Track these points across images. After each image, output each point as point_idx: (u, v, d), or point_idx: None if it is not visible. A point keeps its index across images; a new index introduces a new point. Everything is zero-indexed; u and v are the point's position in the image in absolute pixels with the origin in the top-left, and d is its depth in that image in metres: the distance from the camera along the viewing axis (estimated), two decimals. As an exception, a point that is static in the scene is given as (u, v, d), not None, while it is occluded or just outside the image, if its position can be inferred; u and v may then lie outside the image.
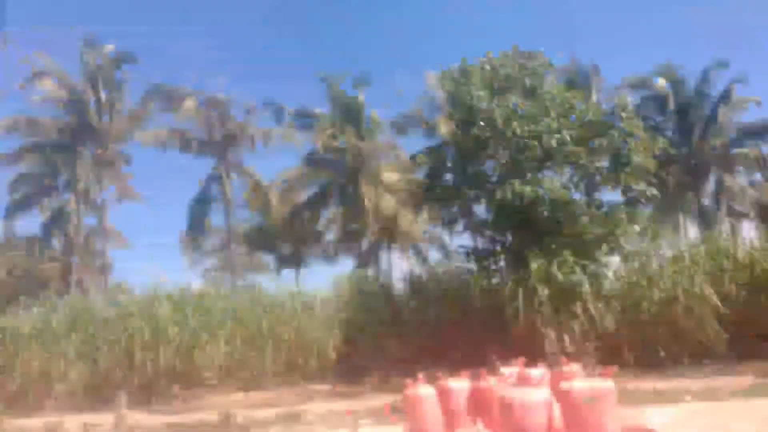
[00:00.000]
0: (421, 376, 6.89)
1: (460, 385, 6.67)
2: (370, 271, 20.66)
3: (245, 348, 15.50)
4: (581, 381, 6.11)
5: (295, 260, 28.67)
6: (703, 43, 65.61)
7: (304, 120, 28.55)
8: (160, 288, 16.27)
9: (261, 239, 29.18)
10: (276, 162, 33.78)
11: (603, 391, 5.66)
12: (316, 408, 11.54)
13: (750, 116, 25.98)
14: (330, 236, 28.79)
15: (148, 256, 38.18)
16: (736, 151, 25.60)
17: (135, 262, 48.28)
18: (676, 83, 25.87)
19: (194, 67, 64.71)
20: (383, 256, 27.89)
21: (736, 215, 26.81)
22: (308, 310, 16.88)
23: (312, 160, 27.92)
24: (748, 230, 24.36)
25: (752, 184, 27.15)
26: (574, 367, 7.10)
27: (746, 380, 10.67)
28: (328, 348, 16.00)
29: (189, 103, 27.82)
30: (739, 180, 26.32)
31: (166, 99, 28.08)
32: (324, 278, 18.63)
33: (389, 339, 15.92)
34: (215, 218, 29.39)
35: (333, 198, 27.59)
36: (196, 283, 18.86)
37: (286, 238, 28.37)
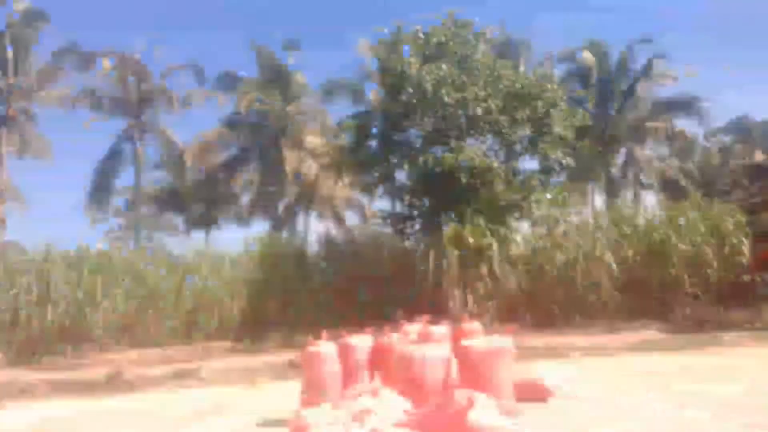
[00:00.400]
0: (324, 333, 6.82)
1: (361, 341, 6.63)
2: (286, 234, 20.36)
3: (143, 307, 14.96)
4: (480, 338, 6.24)
5: (206, 221, 28.02)
6: (630, 20, 68.23)
7: (228, 82, 28.00)
8: (54, 247, 15.36)
9: (171, 200, 28.29)
10: (197, 125, 32.77)
11: (500, 348, 5.78)
12: (213, 365, 11.24)
13: (668, 92, 27.15)
14: (246, 199, 28.27)
15: (49, 217, 36.15)
16: (648, 124, 26.75)
17: (36, 223, 45.82)
18: (600, 57, 26.64)
19: (113, 27, 61.21)
20: (300, 220, 27.76)
21: (642, 185, 28.40)
22: (215, 271, 16.43)
23: (233, 122, 27.26)
24: (651, 201, 26.00)
25: (660, 156, 28.72)
26: (475, 324, 7.24)
27: (633, 337, 11.36)
28: (233, 307, 15.73)
29: (104, 63, 26.67)
30: (647, 152, 27.70)
31: (81, 59, 26.77)
32: (237, 241, 18.40)
33: (297, 299, 15.79)
34: (126, 179, 28.33)
35: (252, 161, 27.08)
36: (99, 244, 17.86)
37: (199, 200, 27.66)
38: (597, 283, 14.27)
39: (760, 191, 14.25)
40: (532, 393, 6.15)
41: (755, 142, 37.77)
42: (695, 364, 7.50)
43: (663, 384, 6.26)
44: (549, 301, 14.23)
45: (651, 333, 12.00)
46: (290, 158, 25.57)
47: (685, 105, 26.10)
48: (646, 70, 26.08)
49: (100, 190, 26.94)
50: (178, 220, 30.47)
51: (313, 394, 6.04)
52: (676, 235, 14.79)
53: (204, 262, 16.57)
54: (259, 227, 26.86)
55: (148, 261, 16.56)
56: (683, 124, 26.74)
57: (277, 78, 26.94)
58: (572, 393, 6.09)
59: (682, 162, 29.94)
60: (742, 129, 42.19)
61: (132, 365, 11.66)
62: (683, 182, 27.45)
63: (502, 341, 5.84)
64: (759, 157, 35.02)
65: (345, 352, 6.48)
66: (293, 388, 6.51)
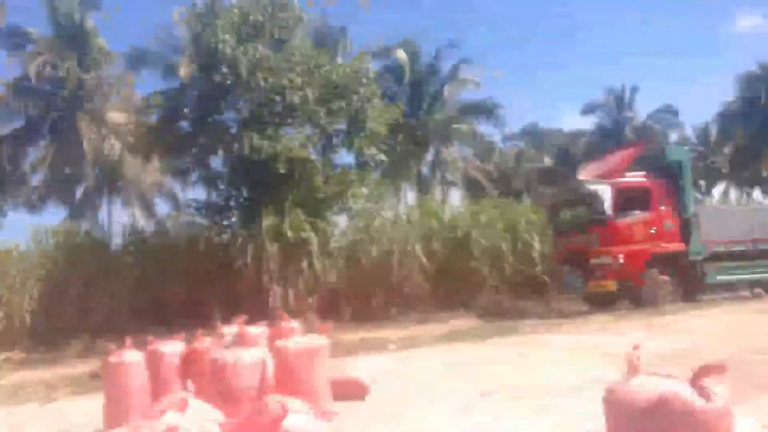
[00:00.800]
0: (128, 340, 6.19)
1: (171, 348, 6.13)
2: (85, 224, 18.34)
3: None
4: (296, 338, 6.13)
5: (-14, 206, 24.19)
6: (443, 23, 72.80)
7: (13, 40, 24.04)
8: None
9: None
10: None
11: (316, 348, 5.72)
12: (1, 380, 9.74)
13: (471, 95, 29.34)
14: (36, 181, 24.74)
15: None
16: (454, 126, 28.76)
17: None
18: (413, 57, 27.91)
19: None
20: (103, 207, 25.14)
21: (448, 184, 30.62)
22: (-1, 266, 14.34)
23: (19, 88, 23.68)
24: (456, 197, 28.18)
25: (464, 157, 31.15)
26: (293, 323, 7.15)
27: (442, 328, 12.19)
28: (21, 311, 13.90)
29: None
30: (453, 152, 29.84)
31: None
32: (26, 232, 15.99)
33: (99, 300, 14.42)
34: None
35: (43, 135, 23.77)
36: None
37: (-24, 179, 23.77)
38: (410, 275, 15.04)
39: (560, 192, 16.02)
40: (350, 390, 6.22)
41: (544, 148, 42.91)
42: (498, 353, 8.20)
43: (470, 373, 6.73)
44: (367, 295, 14.66)
45: (458, 323, 12.95)
46: (89, 135, 23.01)
47: (486, 110, 28.47)
48: (453, 74, 27.99)
49: None
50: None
51: (116, 411, 5.46)
52: (477, 230, 16.17)
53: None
54: (54, 216, 23.80)
55: None
56: (484, 127, 29.20)
57: (73, 40, 23.92)
58: (388, 387, 6.27)
59: (482, 163, 32.90)
60: (533, 135, 47.65)
61: None
62: (483, 182, 30.17)
63: (318, 340, 5.80)
64: (548, 162, 39.92)
65: (153, 361, 5.95)
66: (96, 403, 5.83)
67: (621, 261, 13.19)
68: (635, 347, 2.54)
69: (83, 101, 23.92)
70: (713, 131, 36.14)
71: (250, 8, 16.58)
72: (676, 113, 37.23)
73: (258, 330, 6.76)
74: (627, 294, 13.53)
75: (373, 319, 14.09)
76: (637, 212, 13.79)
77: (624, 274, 13.26)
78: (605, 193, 13.50)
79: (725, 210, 19.23)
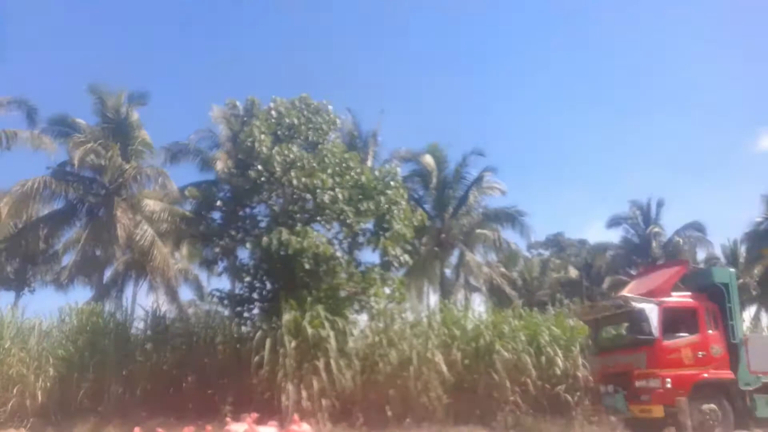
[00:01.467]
0: (137, 429, 6.13)
1: (181, 441, 6.06)
2: (110, 306, 18.55)
3: None
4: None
5: (17, 282, 24.56)
6: (470, 132, 75.33)
7: (62, 128, 25.47)
8: None
9: (-23, 253, 24.66)
10: (19, 170, 29.09)
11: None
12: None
13: (495, 202, 29.79)
14: (67, 260, 25.35)
15: None
16: (478, 231, 29.03)
17: None
18: (440, 163, 28.78)
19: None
20: (128, 291, 25.47)
21: (471, 288, 30.43)
22: (20, 342, 14.43)
23: (62, 173, 24.80)
24: (479, 303, 27.88)
25: (488, 262, 31.13)
26: (305, 426, 7.00)
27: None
28: (36, 387, 13.77)
29: None
30: (477, 257, 29.89)
31: None
32: (52, 309, 16.12)
33: (115, 382, 14.28)
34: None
35: (79, 218, 24.61)
36: None
37: (12, 256, 24.27)
38: (428, 384, 14.59)
39: (602, 307, 15.37)
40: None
41: (569, 258, 42.81)
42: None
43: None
44: (382, 402, 14.20)
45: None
46: (123, 220, 23.75)
47: (510, 217, 28.81)
48: (478, 181, 28.65)
49: None
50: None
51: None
52: (499, 341, 15.77)
53: (7, 330, 14.49)
54: (80, 294, 24.20)
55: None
56: (509, 234, 29.35)
57: (118, 131, 25.27)
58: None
59: (507, 269, 32.81)
60: (558, 245, 47.74)
61: None
62: (507, 289, 29.93)
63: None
64: (572, 272, 39.65)
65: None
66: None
67: (669, 385, 12.32)
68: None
69: (121, 188, 24.90)
70: (742, 251, 35.65)
71: (286, 111, 17.57)
72: (703, 231, 36.98)
73: (268, 430, 6.66)
74: (672, 421, 12.34)
75: (386, 427, 13.58)
76: (686, 334, 13.06)
77: (671, 399, 12.23)
78: (652, 312, 12.80)
79: None
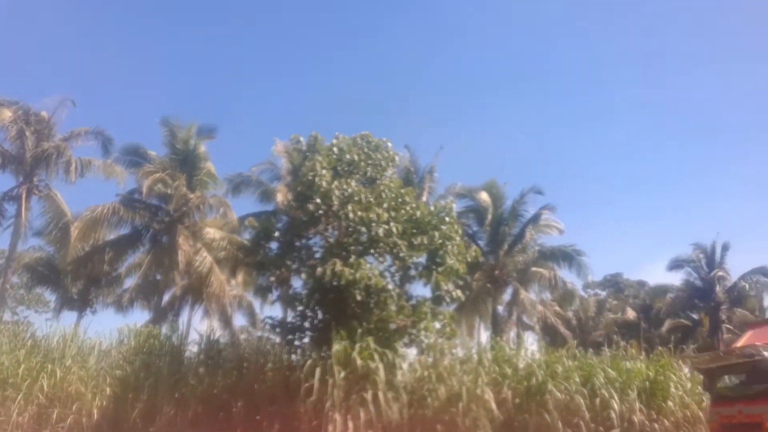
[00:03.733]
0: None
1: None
2: (166, 329, 19.12)
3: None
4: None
5: (81, 303, 25.73)
6: (529, 168, 74.52)
7: (133, 158, 26.93)
8: None
9: (48, 273, 25.93)
10: (91, 196, 30.90)
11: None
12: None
13: (552, 241, 29.38)
14: (129, 283, 26.44)
15: None
16: (534, 269, 28.54)
17: None
18: (496, 199, 28.67)
19: (23, 79, 58.97)
20: (184, 314, 26.23)
21: (524, 326, 29.78)
22: (80, 360, 15.00)
23: (130, 200, 26.10)
24: (532, 342, 27.21)
25: (542, 301, 30.48)
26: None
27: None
28: (92, 406, 14.24)
29: (4, 113, 25.02)
30: (531, 295, 29.32)
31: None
32: (112, 330, 16.79)
33: (167, 403, 14.60)
34: (1, 241, 25.85)
35: (143, 244, 25.72)
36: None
37: (78, 278, 25.48)
38: (476, 421, 14.29)
39: (719, 356, 14.96)
40: None
41: (627, 299, 41.30)
42: None
43: None
44: (429, 437, 13.99)
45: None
46: (185, 247, 24.62)
47: (567, 256, 28.24)
48: (536, 219, 28.27)
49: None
50: (51, 297, 27.87)
51: None
52: (552, 381, 15.33)
53: (69, 349, 15.10)
54: (139, 317, 25.11)
55: (5, 339, 14.93)
56: (566, 273, 28.73)
57: (185, 162, 26.42)
58: None
59: (561, 308, 31.97)
60: (615, 285, 46.16)
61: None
62: (561, 329, 29.12)
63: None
64: (630, 314, 38.23)
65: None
66: None
67: None
68: None
69: (185, 216, 25.88)
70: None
71: (347, 147, 18.00)
72: (771, 275, 35.14)
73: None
74: None
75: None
76: None
77: None
78: None
79: None
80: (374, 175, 18.12)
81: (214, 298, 25.43)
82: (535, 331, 29.60)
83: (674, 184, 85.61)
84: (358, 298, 15.56)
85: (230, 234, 24.36)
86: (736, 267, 38.52)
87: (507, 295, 29.11)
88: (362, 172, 18.00)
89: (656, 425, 15.12)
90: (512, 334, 27.97)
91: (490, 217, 28.30)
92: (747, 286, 35.22)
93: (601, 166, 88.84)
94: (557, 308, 31.82)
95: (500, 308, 28.84)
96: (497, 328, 27.11)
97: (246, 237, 20.40)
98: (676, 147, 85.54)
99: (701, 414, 15.37)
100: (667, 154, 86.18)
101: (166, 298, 25.65)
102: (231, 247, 22.42)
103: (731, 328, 33.63)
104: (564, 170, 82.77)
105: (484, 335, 26.79)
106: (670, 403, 15.53)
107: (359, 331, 15.19)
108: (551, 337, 27.10)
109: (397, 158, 19.40)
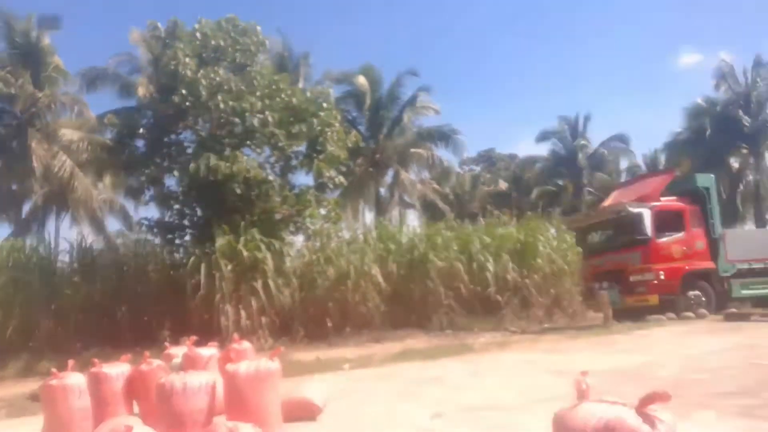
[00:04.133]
0: (71, 362, 5.97)
1: (116, 370, 5.92)
2: (31, 241, 17.70)
3: None
4: (246, 362, 6.02)
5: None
6: (404, 51, 73.90)
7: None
8: None
9: None
10: None
11: (266, 371, 5.60)
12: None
13: (430, 122, 29.96)
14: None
15: None
16: (412, 150, 29.17)
17: None
18: (373, 84, 28.29)
19: None
20: (50, 224, 24.43)
21: (406, 205, 30.92)
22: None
23: (-32, 104, 22.94)
24: (413, 219, 28.46)
25: (421, 180, 31.55)
26: (245, 344, 7.03)
27: (397, 346, 12.17)
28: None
29: None
30: (411, 175, 30.21)
31: None
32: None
33: (43, 318, 13.91)
34: None
35: (-9, 151, 23.08)
36: None
37: None
38: (365, 295, 15.01)
39: (588, 216, 17.75)
40: (301, 411, 6.13)
41: (499, 172, 43.76)
42: (452, 372, 8.23)
43: (424, 392, 6.74)
44: (322, 315, 14.56)
45: (413, 342, 12.99)
46: (39, 152, 22.40)
47: (444, 136, 29.07)
48: (412, 101, 28.49)
49: None
50: None
51: (56, 436, 5.25)
52: (433, 252, 16.29)
53: None
54: (-1, 231, 23.05)
55: None
56: (442, 152, 29.72)
57: (28, 58, 23.54)
58: (341, 407, 6.23)
59: (440, 186, 33.36)
60: (489, 160, 48.57)
61: None
62: (440, 204, 30.55)
63: (270, 364, 5.66)
64: (502, 185, 40.76)
65: (96, 384, 5.74)
66: (35, 428, 5.60)
67: (662, 277, 14.63)
68: (583, 373, 2.57)
69: (35, 118, 23.38)
70: (662, 159, 37.54)
71: (212, 33, 16.57)
72: (627, 142, 38.58)
73: (208, 352, 6.63)
74: (665, 306, 14.51)
75: (327, 338, 13.97)
76: (674, 233, 15.32)
77: (663, 288, 14.57)
78: (646, 215, 14.99)
79: (746, 233, 22.43)
80: (244, 62, 17.02)
81: (81, 204, 23.72)
82: (416, 209, 30.83)
83: (541, 61, 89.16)
84: (238, 191, 15.19)
85: (90, 134, 22.26)
86: (596, 136, 41.73)
87: (388, 178, 29.83)
88: (231, 59, 16.83)
89: (527, 281, 16.80)
90: (395, 213, 29.03)
91: (368, 101, 28.06)
92: (606, 152, 38.45)
93: (473, 48, 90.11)
94: (436, 186, 33.14)
95: (382, 190, 29.56)
96: (381, 209, 27.90)
97: (108, 137, 18.78)
98: (540, 23, 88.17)
99: (566, 267, 17.31)
100: (532, 32, 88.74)
101: (26, 208, 23.68)
102: (93, 148, 20.59)
103: (592, 191, 37.05)
104: (438, 53, 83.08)
105: (368, 217, 27.56)
106: (539, 260, 17.22)
107: (243, 224, 15.01)
108: (431, 213, 28.35)
109: (267, 43, 18.28)
